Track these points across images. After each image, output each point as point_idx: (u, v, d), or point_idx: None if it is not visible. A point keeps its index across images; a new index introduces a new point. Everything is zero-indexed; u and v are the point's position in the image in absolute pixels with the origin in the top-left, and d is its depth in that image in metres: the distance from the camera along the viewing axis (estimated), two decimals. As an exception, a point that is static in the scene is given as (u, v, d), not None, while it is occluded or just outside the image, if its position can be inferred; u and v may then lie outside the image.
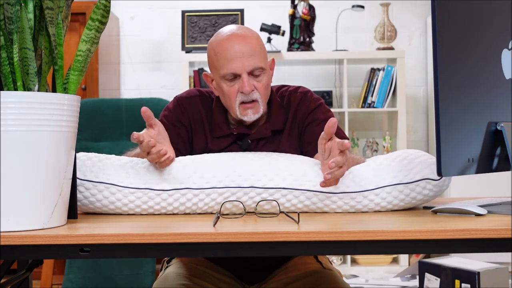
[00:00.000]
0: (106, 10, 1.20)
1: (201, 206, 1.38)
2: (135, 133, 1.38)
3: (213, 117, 1.71)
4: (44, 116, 1.11)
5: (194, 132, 1.71)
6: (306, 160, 1.48)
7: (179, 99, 1.75)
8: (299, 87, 1.80)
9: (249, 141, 1.67)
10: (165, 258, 1.72)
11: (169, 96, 3.86)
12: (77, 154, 1.41)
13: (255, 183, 1.37)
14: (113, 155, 1.47)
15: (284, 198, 1.37)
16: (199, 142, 1.70)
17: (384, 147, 4.06)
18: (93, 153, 1.46)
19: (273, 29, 3.95)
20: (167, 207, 1.38)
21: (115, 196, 1.37)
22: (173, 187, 1.37)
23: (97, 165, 1.40)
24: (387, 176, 1.39)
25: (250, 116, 1.63)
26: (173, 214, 1.40)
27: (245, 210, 1.26)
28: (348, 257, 3.88)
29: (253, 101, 1.63)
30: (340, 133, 1.67)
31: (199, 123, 1.71)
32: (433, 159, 1.41)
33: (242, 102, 1.62)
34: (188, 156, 1.52)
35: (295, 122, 1.71)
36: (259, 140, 1.68)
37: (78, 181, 1.36)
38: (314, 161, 1.48)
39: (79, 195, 1.37)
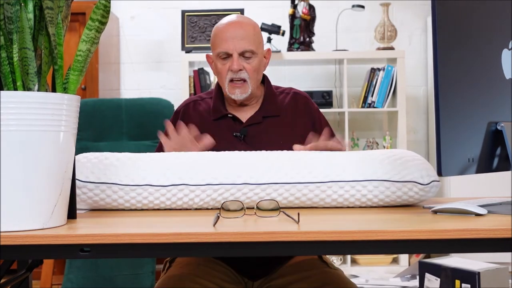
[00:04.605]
0: (106, 10, 1.20)
1: (197, 201, 1.43)
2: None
3: (213, 101, 1.92)
4: (44, 116, 1.11)
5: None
6: (293, 155, 1.52)
7: (175, 113, 1.98)
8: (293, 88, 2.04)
9: (246, 128, 1.86)
10: (168, 258, 1.72)
11: (169, 96, 3.87)
12: (77, 156, 1.44)
13: (248, 180, 1.42)
14: (112, 154, 1.50)
15: (276, 193, 1.42)
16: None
17: (384, 147, 4.07)
18: (92, 154, 1.48)
19: (273, 29, 3.95)
20: (166, 201, 1.43)
21: (117, 194, 1.42)
22: (171, 183, 1.42)
23: (98, 166, 1.44)
24: (378, 171, 1.42)
25: (237, 94, 1.85)
26: (172, 209, 1.44)
27: (245, 211, 1.26)
28: (348, 257, 3.88)
29: (241, 80, 1.84)
30: (323, 124, 1.93)
31: (202, 122, 1.87)
32: (426, 164, 1.46)
33: (231, 80, 1.84)
34: (187, 153, 1.56)
35: (297, 114, 1.91)
36: (253, 125, 1.87)
37: (81, 183, 1.41)
38: (301, 154, 1.53)
39: (83, 196, 1.42)
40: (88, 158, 1.46)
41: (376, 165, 1.44)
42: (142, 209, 1.44)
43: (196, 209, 1.45)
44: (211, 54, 1.92)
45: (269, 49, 1.95)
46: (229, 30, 1.83)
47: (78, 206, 1.42)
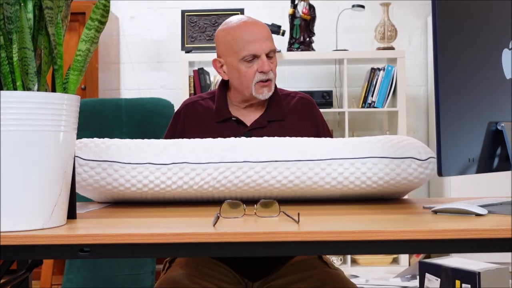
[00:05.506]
0: (106, 9, 1.20)
1: (198, 181, 1.43)
2: None
3: (216, 103, 1.88)
4: (44, 116, 1.11)
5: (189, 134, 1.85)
6: (293, 139, 1.54)
7: (176, 114, 1.94)
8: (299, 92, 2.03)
9: (250, 132, 1.83)
10: (168, 258, 1.72)
11: (169, 96, 3.87)
12: (81, 139, 1.47)
13: (248, 158, 1.43)
14: (115, 138, 1.53)
15: (276, 171, 1.42)
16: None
17: (384, 147, 4.07)
18: (95, 138, 1.51)
19: (273, 29, 3.95)
20: (166, 181, 1.43)
21: (118, 173, 1.42)
22: (172, 161, 1.43)
23: (100, 146, 1.46)
24: (377, 149, 1.44)
25: (265, 94, 1.83)
26: (171, 205, 1.44)
27: (245, 211, 1.26)
28: (348, 257, 3.88)
29: (268, 80, 1.82)
30: (326, 131, 1.94)
31: (204, 124, 1.86)
32: (422, 144, 1.49)
33: (259, 81, 1.80)
34: (186, 139, 1.57)
35: (301, 119, 1.90)
36: (257, 129, 1.86)
37: (83, 161, 1.42)
38: (301, 138, 1.55)
39: (84, 175, 1.42)
40: (91, 140, 1.48)
41: (374, 145, 1.46)
42: (142, 193, 1.44)
43: (196, 198, 1.45)
44: (218, 58, 1.89)
45: None
46: (253, 32, 1.80)
47: (80, 186, 1.44)
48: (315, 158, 1.43)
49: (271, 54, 1.82)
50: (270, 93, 1.84)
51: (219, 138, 1.53)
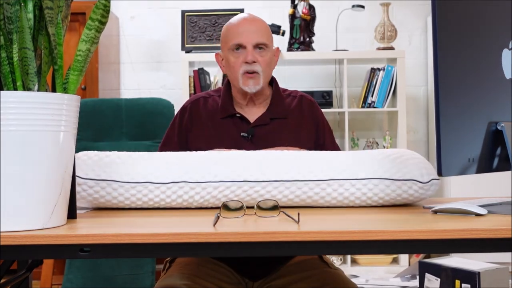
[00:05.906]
0: (106, 10, 1.20)
1: (197, 199, 1.42)
2: None
3: (221, 100, 1.92)
4: (44, 116, 1.11)
5: (195, 133, 1.87)
6: (294, 154, 1.52)
7: (182, 109, 1.96)
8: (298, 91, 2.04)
9: (253, 129, 1.85)
10: (168, 258, 1.72)
11: (169, 96, 3.87)
12: (78, 154, 1.44)
13: (248, 178, 1.42)
14: (113, 152, 1.51)
15: (276, 190, 1.41)
16: (205, 134, 1.87)
17: (384, 147, 4.07)
18: (93, 152, 1.49)
19: (273, 29, 3.95)
20: (166, 199, 1.42)
21: (117, 191, 1.41)
22: (171, 180, 1.42)
23: (98, 164, 1.44)
24: (379, 169, 1.43)
25: (251, 87, 1.85)
26: (172, 208, 1.44)
27: (245, 211, 1.26)
28: (348, 257, 3.88)
29: (254, 72, 1.84)
30: (335, 145, 1.95)
31: (210, 120, 1.89)
32: (425, 163, 1.46)
33: (245, 73, 1.84)
34: (187, 152, 1.56)
35: (303, 118, 1.92)
36: (260, 126, 1.87)
37: (81, 180, 1.41)
38: (301, 153, 1.53)
39: (83, 193, 1.41)
40: (89, 156, 1.46)
41: (376, 164, 1.44)
42: (142, 208, 1.44)
43: (196, 208, 1.45)
44: (220, 52, 1.94)
45: (277, 48, 1.96)
46: (243, 24, 1.87)
47: (78, 204, 1.42)
48: (315, 178, 1.42)
49: (261, 47, 1.85)
50: (258, 87, 1.85)
51: (220, 151, 1.53)
